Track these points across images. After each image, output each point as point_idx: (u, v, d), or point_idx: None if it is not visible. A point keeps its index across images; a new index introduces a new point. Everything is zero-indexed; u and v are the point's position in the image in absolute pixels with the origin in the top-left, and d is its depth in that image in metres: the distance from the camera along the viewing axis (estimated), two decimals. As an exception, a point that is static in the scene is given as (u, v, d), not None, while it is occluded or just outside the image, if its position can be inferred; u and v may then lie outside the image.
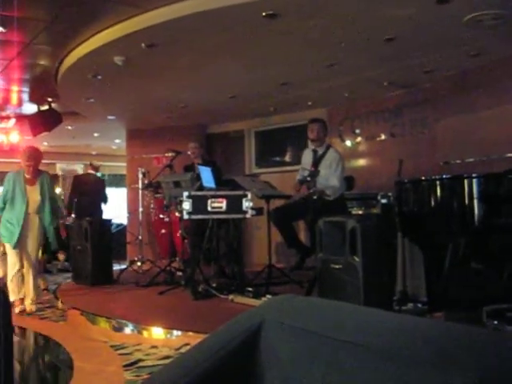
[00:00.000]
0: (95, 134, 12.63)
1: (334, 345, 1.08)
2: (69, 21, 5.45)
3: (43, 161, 15.79)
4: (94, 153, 16.24)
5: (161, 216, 7.92)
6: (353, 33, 5.36)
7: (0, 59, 6.79)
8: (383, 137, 8.23)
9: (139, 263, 8.22)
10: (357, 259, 4.14)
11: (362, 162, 8.50)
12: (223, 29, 5.22)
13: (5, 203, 5.95)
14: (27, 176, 6.03)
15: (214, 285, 6.35)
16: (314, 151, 6.12)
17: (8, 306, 1.63)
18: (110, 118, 9.84)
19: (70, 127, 10.56)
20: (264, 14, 4.65)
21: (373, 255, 4.17)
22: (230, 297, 5.91)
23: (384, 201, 7.10)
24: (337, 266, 4.36)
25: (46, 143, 13.69)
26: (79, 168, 16.67)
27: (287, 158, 9.51)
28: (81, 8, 5.15)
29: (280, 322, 1.21)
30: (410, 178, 4.68)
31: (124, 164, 14.12)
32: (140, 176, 7.86)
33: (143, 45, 5.50)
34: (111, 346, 4.95)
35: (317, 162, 5.96)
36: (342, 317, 1.15)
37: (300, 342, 1.17)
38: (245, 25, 5.07)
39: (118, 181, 16.27)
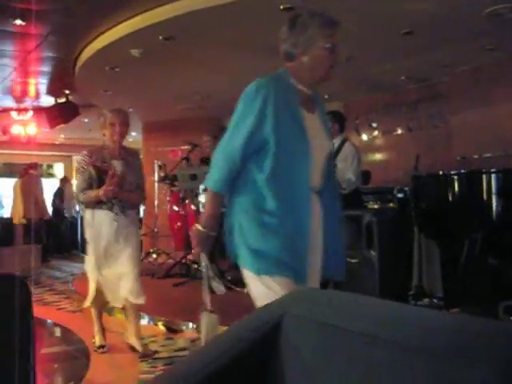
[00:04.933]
0: (112, 127, 12.64)
1: (355, 338, 1.08)
2: (86, 13, 5.46)
3: (59, 153, 15.90)
4: (110, 145, 16.28)
5: (176, 209, 7.94)
6: (370, 27, 5.33)
7: (18, 52, 6.83)
8: (400, 131, 8.19)
9: (154, 255, 8.27)
10: (373, 253, 4.14)
11: (378, 156, 8.47)
12: (240, 21, 5.22)
13: None
14: None
15: (230, 278, 6.37)
16: (330, 144, 6.09)
17: (29, 297, 1.64)
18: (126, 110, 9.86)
19: (86, 120, 10.61)
20: (282, 7, 4.64)
21: (389, 249, 4.17)
22: (245, 290, 5.92)
23: (400, 195, 7.07)
24: (353, 260, 4.35)
25: (62, 136, 13.79)
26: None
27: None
28: (99, 0, 5.17)
29: (301, 315, 1.21)
30: (427, 173, 4.66)
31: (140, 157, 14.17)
32: (156, 169, 7.89)
33: (161, 37, 5.52)
34: (123, 335, 4.99)
35: (333, 155, 5.93)
36: (363, 310, 1.15)
37: (321, 336, 1.18)
38: (262, 17, 5.06)
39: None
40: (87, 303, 4.45)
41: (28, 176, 10.98)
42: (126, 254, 4.18)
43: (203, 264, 2.55)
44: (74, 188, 4.26)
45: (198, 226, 2.40)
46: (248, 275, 2.30)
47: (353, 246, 4.38)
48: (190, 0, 4.91)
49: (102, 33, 5.91)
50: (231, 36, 5.59)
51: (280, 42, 2.43)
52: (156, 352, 4.44)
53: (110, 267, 4.18)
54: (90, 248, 4.19)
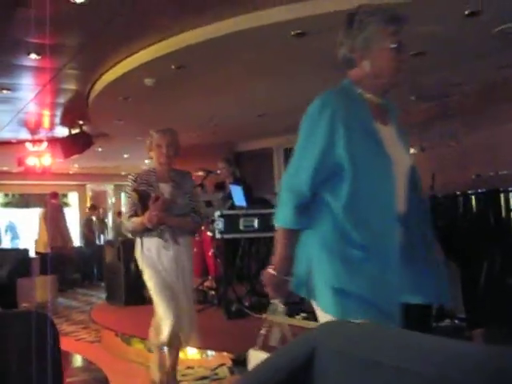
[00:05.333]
0: (125, 155, 12.77)
1: (388, 372, 1.08)
2: (100, 46, 5.55)
3: (74, 182, 16.05)
4: (123, 173, 16.40)
5: (192, 235, 7.94)
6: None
7: (33, 85, 6.94)
8: (412, 151, 8.16)
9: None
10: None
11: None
12: (252, 49, 5.27)
13: None
14: None
15: (247, 304, 6.34)
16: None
17: (55, 330, 1.65)
18: (139, 138, 9.94)
19: (100, 149, 10.72)
20: (293, 33, 4.69)
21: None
22: (264, 315, 5.88)
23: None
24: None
25: (76, 165, 13.91)
26: (109, 189, 16.87)
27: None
28: (111, 33, 5.25)
29: (333, 349, 1.21)
30: (444, 193, 4.64)
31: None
32: (170, 196, 7.90)
33: (173, 66, 5.58)
34: (148, 367, 4.97)
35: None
36: (396, 342, 1.14)
37: (354, 370, 1.17)
38: (273, 44, 5.11)
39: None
40: (162, 343, 3.83)
41: (50, 205, 11.21)
42: (180, 287, 3.75)
43: (279, 310, 2.54)
44: (122, 216, 3.97)
45: (271, 271, 2.08)
46: (325, 316, 1.95)
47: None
48: (202, 29, 4.97)
49: (116, 64, 5.99)
50: (242, 63, 5.65)
51: (337, 47, 2.06)
52: (178, 382, 4.42)
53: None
54: (150, 282, 3.72)
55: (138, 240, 3.73)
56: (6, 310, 1.65)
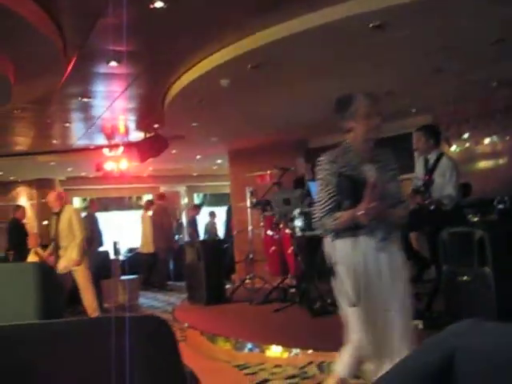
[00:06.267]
0: (198, 157, 12.95)
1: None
2: (176, 50, 5.62)
3: (148, 185, 16.48)
4: (194, 174, 16.66)
5: (270, 233, 7.96)
6: (459, 36, 5.20)
7: (111, 92, 7.11)
8: (494, 139, 7.90)
9: (248, 281, 8.31)
10: (487, 270, 3.96)
11: (473, 166, 8.18)
12: (329, 44, 5.22)
13: None
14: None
15: (330, 301, 6.29)
16: (426, 160, 5.94)
17: (174, 336, 1.65)
18: (212, 139, 10.07)
19: (174, 151, 10.89)
20: (371, 25, 4.60)
21: (504, 265, 3.98)
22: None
23: (501, 206, 6.80)
24: (464, 278, 4.19)
25: (150, 168, 14.20)
26: (182, 190, 17.15)
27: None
28: (188, 36, 5.31)
29: (474, 349, 1.16)
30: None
31: (224, 183, 14.42)
32: (248, 195, 7.96)
33: (249, 66, 5.59)
34: (235, 366, 5.01)
35: (430, 170, 5.78)
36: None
37: (496, 369, 1.11)
38: (351, 38, 5.04)
39: (218, 200, 16.59)
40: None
41: (157, 206, 11.77)
42: (393, 294, 2.95)
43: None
44: (315, 211, 3.06)
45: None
46: None
47: (463, 264, 4.22)
48: (278, 27, 4.95)
49: (192, 66, 6.06)
50: (319, 58, 5.60)
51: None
52: (267, 380, 4.43)
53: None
54: (346, 288, 2.96)
55: (339, 242, 3.00)
56: (122, 315, 1.66)
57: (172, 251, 11.89)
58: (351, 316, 3.00)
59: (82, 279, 7.01)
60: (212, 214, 14.53)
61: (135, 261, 12.28)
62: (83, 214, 11.97)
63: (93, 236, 11.96)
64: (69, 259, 6.90)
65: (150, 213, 11.95)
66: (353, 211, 2.87)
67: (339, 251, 2.98)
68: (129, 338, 1.61)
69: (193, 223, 13.95)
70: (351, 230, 2.92)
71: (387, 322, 2.91)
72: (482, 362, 1.13)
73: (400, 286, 2.96)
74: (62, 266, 6.90)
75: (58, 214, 7.05)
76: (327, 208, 2.96)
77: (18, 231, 9.99)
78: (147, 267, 11.85)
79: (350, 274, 2.93)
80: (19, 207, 11.61)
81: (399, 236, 3.15)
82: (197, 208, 14.31)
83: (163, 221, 11.62)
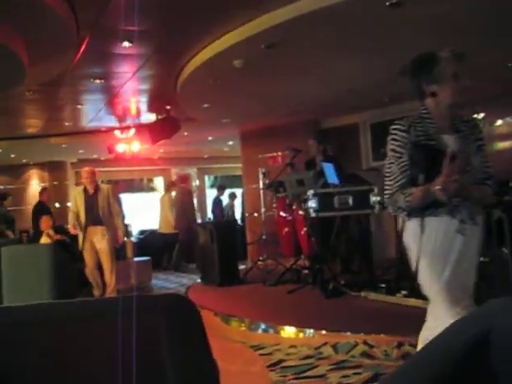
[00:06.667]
0: (209, 138, 12.91)
1: None
2: (189, 29, 5.57)
3: (159, 167, 16.48)
4: (205, 156, 16.63)
5: (283, 215, 7.95)
6: (476, 16, 5.12)
7: (124, 73, 7.08)
8: (510, 120, 7.82)
9: (261, 262, 8.32)
10: (505, 251, 3.94)
11: (488, 147, 8.10)
12: (344, 23, 5.14)
13: None
14: None
15: (343, 282, 6.30)
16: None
17: (200, 315, 1.64)
18: (224, 121, 10.02)
19: (185, 133, 10.86)
20: (388, 3, 4.53)
21: (523, 246, 3.95)
22: (363, 293, 5.83)
23: (516, 187, 6.74)
24: (481, 259, 4.15)
25: (161, 150, 14.19)
26: (192, 172, 17.14)
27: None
28: (200, 16, 5.25)
29: (508, 328, 1.14)
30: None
31: (235, 165, 14.41)
32: (261, 176, 7.93)
33: (263, 46, 5.53)
34: (250, 347, 5.02)
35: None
36: None
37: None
38: (366, 16, 4.96)
39: (230, 182, 16.57)
40: None
41: (180, 188, 11.95)
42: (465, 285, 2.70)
43: None
44: (386, 187, 2.73)
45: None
46: None
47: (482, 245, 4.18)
48: (292, 6, 4.88)
49: (205, 47, 6.00)
50: (333, 38, 5.52)
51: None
52: (282, 361, 4.44)
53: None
54: (432, 278, 2.65)
55: (413, 222, 2.67)
56: (147, 295, 1.64)
57: (192, 232, 12.04)
58: (436, 301, 2.69)
59: (109, 257, 7.28)
60: (232, 196, 14.64)
61: (147, 243, 12.34)
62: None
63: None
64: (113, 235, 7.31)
65: (173, 193, 12.09)
66: (428, 186, 2.52)
67: (411, 233, 2.69)
68: (154, 317, 1.60)
69: (218, 204, 14.23)
70: (428, 208, 2.59)
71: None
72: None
73: (472, 273, 2.72)
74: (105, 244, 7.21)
75: (95, 193, 7.26)
76: (399, 183, 2.63)
77: (43, 213, 10.01)
78: (167, 248, 11.99)
79: (426, 260, 2.62)
80: (44, 189, 11.69)
81: (483, 218, 2.79)
82: (221, 189, 14.48)
83: (186, 202, 11.79)
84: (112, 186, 13.31)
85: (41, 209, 10.59)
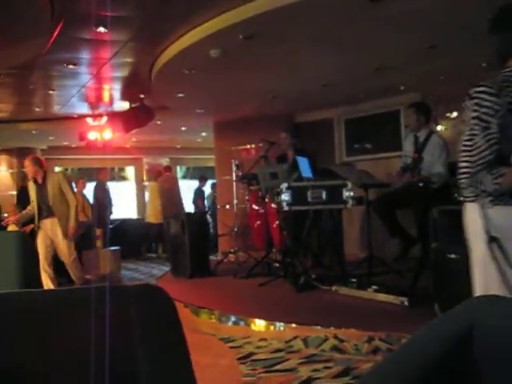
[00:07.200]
0: (182, 128, 12.82)
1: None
2: (167, 17, 5.49)
3: (130, 156, 16.35)
4: (178, 146, 16.52)
5: (256, 207, 7.93)
6: (454, 14, 5.15)
7: (98, 59, 6.96)
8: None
9: (232, 254, 8.29)
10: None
11: (460, 146, 8.17)
12: (321, 16, 5.12)
13: None
14: None
15: (314, 276, 6.30)
16: (416, 137, 5.93)
17: (175, 305, 1.61)
18: (198, 111, 9.94)
19: (159, 122, 10.76)
20: (368, -3, 4.52)
21: (493, 244, 3.99)
22: (334, 288, 5.84)
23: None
24: (453, 256, 4.20)
25: (134, 139, 14.05)
26: (164, 162, 17.02)
27: (378, 146, 9.26)
28: (178, 4, 5.19)
29: (493, 325, 1.12)
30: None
31: (208, 156, 14.34)
32: (234, 168, 7.89)
33: (241, 36, 5.47)
34: (220, 339, 5.00)
35: (419, 148, 5.76)
36: None
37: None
38: (344, 10, 4.95)
39: (203, 173, 16.51)
40: None
41: (165, 177, 12.02)
42: None
43: None
44: (464, 163, 2.25)
45: None
46: None
47: (454, 242, 4.22)
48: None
49: (181, 35, 5.93)
50: (311, 31, 5.50)
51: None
52: (253, 354, 4.42)
53: None
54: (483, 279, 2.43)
55: (497, 210, 2.28)
56: (119, 285, 1.61)
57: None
58: None
59: (66, 250, 6.94)
60: (214, 186, 14.68)
61: (118, 232, 12.27)
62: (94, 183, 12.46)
63: (105, 203, 12.18)
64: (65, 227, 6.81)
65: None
66: None
67: (498, 223, 2.28)
68: (126, 307, 1.56)
69: (201, 194, 14.29)
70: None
71: None
72: (500, 337, 1.11)
73: None
74: (60, 236, 6.82)
75: (43, 182, 6.89)
76: (485, 160, 2.18)
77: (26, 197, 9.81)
78: (156, 237, 11.97)
79: (491, 251, 2.28)
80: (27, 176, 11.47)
81: None
82: (203, 180, 14.53)
83: (173, 190, 11.84)
84: (97, 172, 13.34)
85: (24, 193, 10.41)
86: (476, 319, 1.15)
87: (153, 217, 12.00)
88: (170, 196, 11.54)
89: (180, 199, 12.00)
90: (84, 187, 11.70)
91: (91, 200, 11.46)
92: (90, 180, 12.70)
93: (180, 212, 11.37)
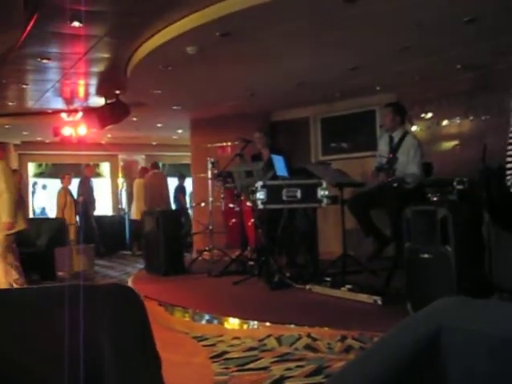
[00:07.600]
0: (158, 125, 12.74)
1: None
2: (143, 13, 5.44)
3: (105, 152, 16.26)
4: (154, 143, 16.41)
5: (231, 205, 7.91)
6: (431, 15, 5.19)
7: (73, 54, 6.87)
8: (457, 120, 7.99)
9: (207, 252, 8.26)
10: (449, 248, 4.01)
11: (434, 146, 8.25)
12: (297, 15, 5.12)
13: None
14: None
15: (289, 275, 6.31)
16: (390, 137, 5.97)
17: (143, 305, 1.59)
18: (174, 108, 9.88)
19: (135, 118, 10.67)
20: (344, -3, 4.54)
21: (465, 244, 4.04)
22: (308, 286, 5.85)
23: (460, 187, 6.88)
24: (426, 256, 4.23)
25: (109, 135, 13.92)
26: (140, 159, 16.91)
27: (354, 145, 9.31)
28: (153, 0, 5.15)
29: (460, 327, 1.13)
30: (499, 165, 4.49)
31: (184, 153, 14.27)
32: (209, 166, 7.86)
33: (217, 33, 5.45)
34: (193, 337, 4.98)
35: (394, 148, 5.81)
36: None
37: (483, 348, 1.09)
38: (319, 10, 4.97)
39: (177, 170, 16.44)
40: None
41: (153, 174, 12.02)
42: None
43: None
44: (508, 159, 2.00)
45: None
46: None
47: (426, 242, 4.26)
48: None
49: (158, 31, 5.89)
50: (288, 30, 5.50)
51: None
52: (226, 352, 4.41)
53: None
54: None
55: None
56: (89, 284, 1.60)
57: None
58: None
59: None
60: None
61: (90, 228, 12.17)
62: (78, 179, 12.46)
63: (89, 200, 12.12)
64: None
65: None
66: None
67: None
68: (95, 307, 1.54)
69: (182, 191, 14.37)
70: None
71: None
72: (468, 339, 1.11)
73: None
74: None
75: None
76: None
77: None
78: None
79: None
80: (15, 171, 11.29)
81: None
82: (182, 177, 14.55)
83: (162, 186, 11.94)
84: (82, 169, 13.25)
85: None
86: (443, 322, 1.15)
87: (138, 214, 11.94)
88: (160, 191, 11.64)
89: (168, 195, 12.15)
90: (70, 183, 11.69)
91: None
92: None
93: (168, 207, 11.46)
